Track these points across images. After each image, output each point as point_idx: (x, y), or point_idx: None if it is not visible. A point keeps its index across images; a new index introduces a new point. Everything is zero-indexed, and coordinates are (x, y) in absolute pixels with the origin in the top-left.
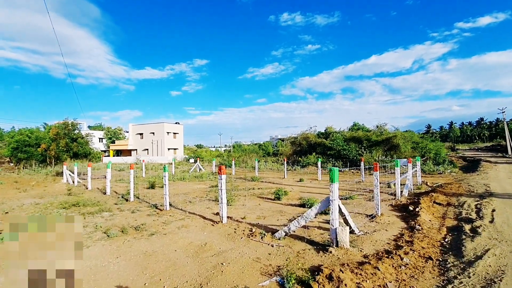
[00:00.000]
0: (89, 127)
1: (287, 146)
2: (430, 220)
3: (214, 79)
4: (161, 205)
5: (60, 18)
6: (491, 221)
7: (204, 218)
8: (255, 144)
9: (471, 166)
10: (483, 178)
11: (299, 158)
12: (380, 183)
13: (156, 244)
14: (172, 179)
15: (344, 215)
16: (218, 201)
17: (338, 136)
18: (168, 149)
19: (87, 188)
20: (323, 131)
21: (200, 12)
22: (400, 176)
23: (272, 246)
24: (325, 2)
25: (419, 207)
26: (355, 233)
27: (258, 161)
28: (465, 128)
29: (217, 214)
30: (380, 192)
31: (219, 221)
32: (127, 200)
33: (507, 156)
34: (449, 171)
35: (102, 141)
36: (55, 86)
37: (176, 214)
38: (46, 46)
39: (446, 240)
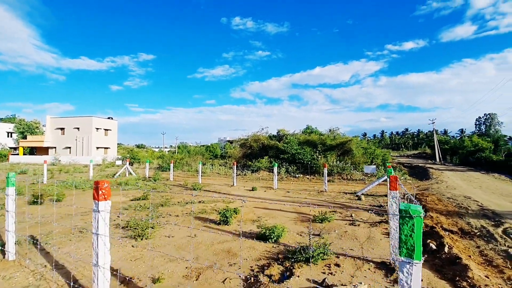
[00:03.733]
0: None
1: (236, 149)
2: (486, 277)
3: (161, 76)
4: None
5: None
6: None
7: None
8: (202, 145)
9: (417, 172)
10: (450, 188)
11: (250, 162)
12: (346, 192)
13: None
14: (82, 188)
15: None
16: (132, 230)
17: (292, 139)
18: (97, 147)
19: None
20: (276, 133)
21: (146, 3)
22: (370, 185)
23: None
24: (275, 12)
25: (446, 244)
26: None
27: (204, 164)
28: (393, 137)
29: (114, 272)
30: (356, 208)
31: None
32: None
33: (438, 163)
34: (403, 178)
35: (11, 136)
36: None
37: (19, 275)
38: None
39: None
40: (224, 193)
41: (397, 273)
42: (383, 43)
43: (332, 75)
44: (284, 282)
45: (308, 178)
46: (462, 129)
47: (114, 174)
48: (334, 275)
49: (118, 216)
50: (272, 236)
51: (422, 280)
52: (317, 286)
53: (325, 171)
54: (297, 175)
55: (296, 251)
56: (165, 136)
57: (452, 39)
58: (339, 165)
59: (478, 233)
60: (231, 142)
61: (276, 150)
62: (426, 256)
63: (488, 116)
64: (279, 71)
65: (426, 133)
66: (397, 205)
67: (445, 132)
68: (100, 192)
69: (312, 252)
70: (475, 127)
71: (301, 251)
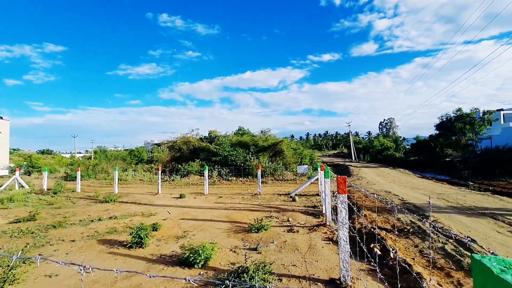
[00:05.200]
0: None
1: (164, 152)
2: (440, 285)
3: (74, 71)
4: None
5: None
6: None
7: None
8: (126, 149)
9: (339, 170)
10: (370, 183)
11: (179, 166)
12: (280, 194)
13: None
14: None
15: None
16: None
17: (225, 141)
18: None
19: None
20: (207, 135)
21: None
22: (302, 185)
23: None
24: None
25: (390, 248)
26: None
27: (124, 171)
28: (317, 138)
29: None
30: (292, 210)
31: None
32: None
33: (354, 161)
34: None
35: None
36: None
37: None
38: None
39: None
40: (146, 204)
41: None
42: (305, 53)
43: (261, 80)
44: None
45: (241, 181)
46: (369, 132)
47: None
48: None
49: None
50: (198, 260)
51: None
52: None
53: (259, 172)
54: (230, 178)
55: (229, 281)
56: (79, 139)
57: (360, 54)
58: (272, 166)
59: (411, 230)
60: (159, 145)
61: (207, 153)
62: (372, 262)
63: (388, 120)
64: (211, 73)
65: (343, 135)
66: (347, 211)
67: (357, 134)
68: None
69: (250, 281)
70: (379, 129)
71: (235, 280)
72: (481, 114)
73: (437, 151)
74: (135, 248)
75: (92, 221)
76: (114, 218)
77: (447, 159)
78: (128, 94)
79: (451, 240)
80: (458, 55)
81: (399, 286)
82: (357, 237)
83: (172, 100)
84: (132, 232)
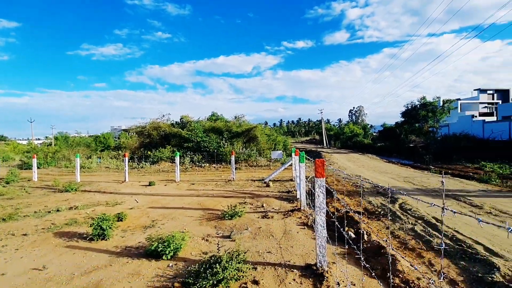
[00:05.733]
0: None
1: (133, 138)
2: (412, 266)
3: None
4: None
5: None
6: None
7: None
8: (90, 136)
9: (312, 156)
10: (342, 168)
11: (149, 152)
12: (254, 180)
13: None
14: None
15: None
16: None
17: (197, 126)
18: None
19: None
20: (179, 121)
21: None
22: (276, 171)
23: None
24: None
25: (364, 231)
26: None
27: (89, 158)
28: (290, 125)
29: None
30: (266, 196)
31: None
32: None
33: (326, 147)
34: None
35: None
36: None
37: None
38: None
39: None
40: (111, 192)
41: (327, 281)
42: (280, 39)
43: (235, 65)
44: None
45: (214, 167)
46: (340, 119)
47: None
48: None
49: None
50: (167, 251)
51: (354, 285)
52: None
53: (233, 158)
54: (203, 165)
55: (200, 272)
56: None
57: (333, 42)
58: (246, 152)
59: (382, 212)
60: (127, 131)
61: (179, 139)
62: (347, 247)
63: (358, 108)
64: (182, 56)
65: (315, 122)
66: (324, 195)
67: (328, 121)
68: None
69: (223, 272)
70: (349, 117)
71: (206, 271)
72: (441, 103)
73: (402, 138)
74: (97, 240)
75: (49, 212)
76: (75, 209)
77: (411, 145)
78: (92, 76)
79: (420, 221)
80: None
81: (372, 268)
82: (336, 222)
83: (141, 84)
84: (93, 224)
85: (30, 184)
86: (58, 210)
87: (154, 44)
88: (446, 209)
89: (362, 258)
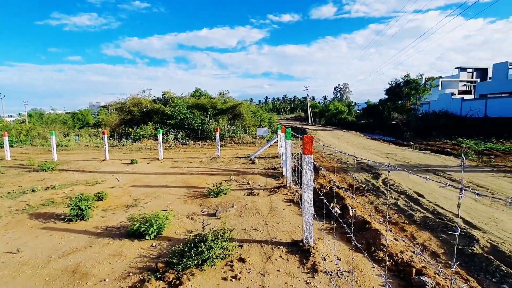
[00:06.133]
0: None
1: (113, 115)
2: (396, 240)
3: None
4: None
5: None
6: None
7: None
8: (68, 112)
9: (297, 133)
10: (326, 145)
11: (130, 129)
12: (240, 157)
13: None
14: None
15: None
16: None
17: (180, 103)
18: None
19: None
20: (160, 97)
21: None
22: (262, 147)
23: None
24: None
25: (349, 206)
26: None
27: (66, 135)
28: (275, 102)
29: None
30: (252, 173)
31: None
32: None
33: (311, 124)
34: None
35: None
36: None
37: None
38: None
39: None
40: (91, 171)
41: (313, 256)
42: (265, 12)
43: (219, 39)
44: None
45: (199, 145)
46: (325, 96)
47: None
48: (239, 279)
49: None
50: (150, 231)
51: (340, 259)
52: None
53: (218, 135)
54: (187, 142)
55: (185, 252)
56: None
57: (319, 17)
58: (231, 129)
59: (366, 188)
60: (106, 107)
61: (161, 115)
62: (332, 223)
63: (343, 85)
64: (162, 28)
65: (300, 99)
66: (312, 172)
67: (314, 98)
68: None
69: (208, 251)
70: (333, 94)
71: (191, 251)
72: (423, 81)
73: (385, 115)
74: (76, 221)
75: (24, 192)
76: (52, 188)
77: (393, 122)
78: (65, 48)
79: (402, 196)
80: (408, 24)
81: (357, 242)
82: (325, 200)
83: (119, 58)
84: (71, 204)
85: (2, 164)
86: (33, 190)
87: (132, 15)
88: (465, 189)
89: (352, 236)
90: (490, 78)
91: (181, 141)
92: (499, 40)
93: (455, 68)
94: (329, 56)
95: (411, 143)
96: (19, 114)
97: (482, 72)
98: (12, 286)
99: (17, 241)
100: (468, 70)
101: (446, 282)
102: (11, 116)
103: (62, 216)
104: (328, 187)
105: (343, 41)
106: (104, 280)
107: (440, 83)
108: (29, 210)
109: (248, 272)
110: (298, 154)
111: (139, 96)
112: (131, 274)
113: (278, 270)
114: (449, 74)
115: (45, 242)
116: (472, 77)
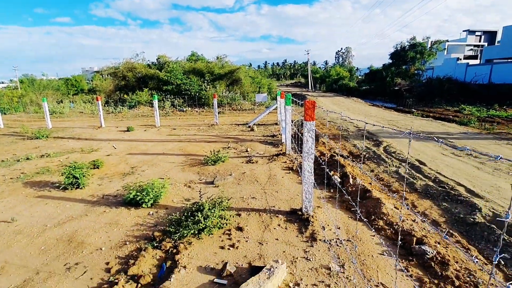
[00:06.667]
0: None
1: (107, 80)
2: (396, 208)
3: None
4: None
5: None
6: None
7: None
8: (61, 78)
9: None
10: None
11: (125, 96)
12: (238, 124)
13: None
14: None
15: None
16: None
17: (176, 68)
18: None
19: None
20: (155, 61)
21: None
22: (261, 114)
23: None
24: None
25: (350, 175)
26: None
27: (60, 102)
28: (275, 68)
29: None
30: (251, 140)
31: None
32: None
33: (311, 90)
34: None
35: None
36: None
37: None
38: None
39: None
40: (86, 139)
41: (312, 225)
42: None
43: None
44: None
45: (197, 111)
46: (326, 61)
47: None
48: (237, 248)
49: None
50: (146, 199)
51: (339, 228)
52: (216, 281)
53: (215, 102)
54: (184, 109)
55: (182, 220)
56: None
57: None
58: (229, 95)
59: (367, 155)
60: (100, 73)
61: (157, 81)
62: (332, 191)
63: (345, 49)
64: None
65: (301, 64)
66: (313, 140)
67: (314, 64)
68: None
69: (205, 220)
70: (335, 59)
71: (188, 220)
72: (429, 44)
73: (388, 80)
74: (71, 189)
75: (18, 160)
76: (47, 156)
77: (396, 88)
78: (51, 9)
79: (403, 164)
80: None
81: (359, 210)
82: (327, 169)
83: (109, 19)
84: (65, 172)
85: None
86: (28, 159)
87: None
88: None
89: (358, 208)
90: (498, 42)
91: (178, 108)
92: (509, 2)
93: (463, 31)
94: (332, 17)
95: (413, 109)
96: (10, 80)
97: (490, 36)
98: (7, 255)
99: (11, 210)
100: (477, 33)
101: (446, 251)
102: (2, 83)
103: (57, 185)
104: (328, 155)
105: (347, 1)
106: (101, 249)
107: (446, 47)
108: (23, 179)
109: (246, 241)
110: (298, 121)
111: (133, 61)
112: (127, 242)
113: (277, 239)
114: (456, 37)
115: (40, 211)
116: (480, 41)
